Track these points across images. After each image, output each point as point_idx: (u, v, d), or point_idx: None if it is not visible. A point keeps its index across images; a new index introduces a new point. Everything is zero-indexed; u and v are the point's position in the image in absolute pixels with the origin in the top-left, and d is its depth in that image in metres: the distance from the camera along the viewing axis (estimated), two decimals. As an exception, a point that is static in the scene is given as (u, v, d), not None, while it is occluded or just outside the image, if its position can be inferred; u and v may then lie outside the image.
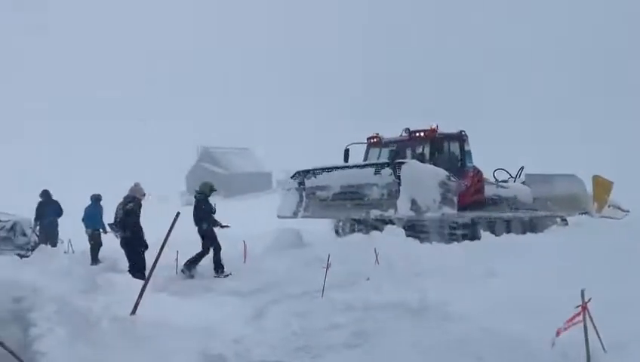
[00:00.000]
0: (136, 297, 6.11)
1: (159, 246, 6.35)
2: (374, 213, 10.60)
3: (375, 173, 10.60)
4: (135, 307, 5.92)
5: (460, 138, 12.31)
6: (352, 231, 13.07)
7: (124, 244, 9.04)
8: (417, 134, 11.78)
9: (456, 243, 10.73)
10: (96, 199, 13.13)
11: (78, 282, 8.94)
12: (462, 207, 11.75)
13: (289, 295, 8.31)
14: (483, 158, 13.62)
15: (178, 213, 6.15)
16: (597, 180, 17.50)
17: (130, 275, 8.72)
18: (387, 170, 10.37)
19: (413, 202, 9.87)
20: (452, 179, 10.00)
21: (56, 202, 14.01)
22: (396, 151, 12.22)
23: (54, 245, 13.19)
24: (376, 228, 11.65)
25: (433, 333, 5.87)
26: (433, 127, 11.71)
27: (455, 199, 9.95)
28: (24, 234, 15.10)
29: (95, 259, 12.21)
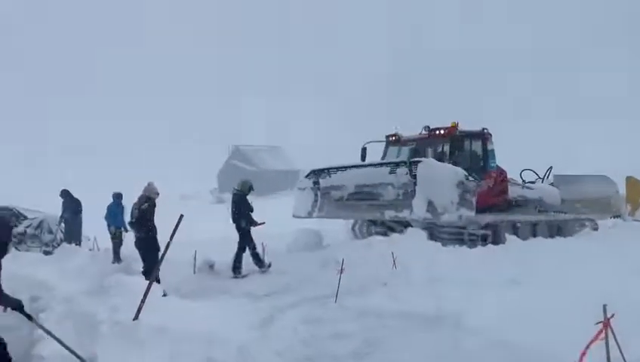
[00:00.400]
0: (147, 300, 5.82)
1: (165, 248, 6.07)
2: (389, 214, 10.17)
3: (390, 173, 10.17)
4: (138, 311, 5.68)
5: (483, 136, 11.76)
6: (369, 232, 12.65)
7: (139, 245, 8.85)
8: (437, 132, 11.29)
9: (480, 246, 10.23)
10: (117, 197, 13.10)
11: (90, 283, 8.73)
12: (483, 209, 11.22)
13: (303, 299, 8.11)
14: (509, 159, 13.06)
15: (181, 216, 5.93)
16: (631, 181, 16.60)
17: (143, 277, 8.56)
18: (403, 169, 9.92)
19: (430, 203, 9.41)
20: (470, 179, 9.47)
21: (76, 200, 14.02)
22: (415, 150, 11.73)
23: (78, 243, 13.20)
24: (392, 230, 11.22)
25: (446, 345, 5.61)
26: (454, 124, 11.20)
27: (474, 200, 9.43)
28: (50, 232, 15.32)
29: (117, 258, 12.19)
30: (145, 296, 5.74)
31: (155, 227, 8.90)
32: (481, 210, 11.06)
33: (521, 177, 14.07)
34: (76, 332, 5.78)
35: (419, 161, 9.66)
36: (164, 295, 8.26)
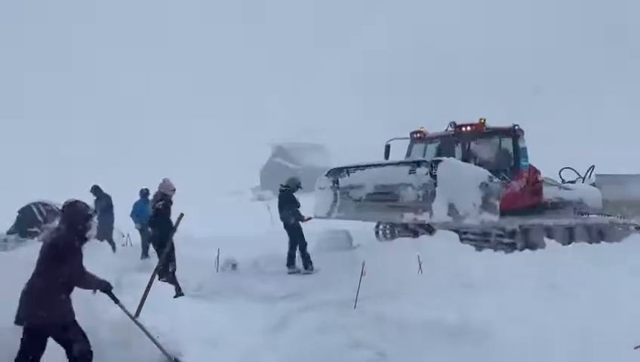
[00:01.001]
0: (154, 300, 5.62)
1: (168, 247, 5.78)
2: (408, 216, 9.55)
3: (410, 173, 9.52)
4: (137, 312, 5.35)
5: (513, 133, 10.92)
6: (393, 235, 12.02)
7: (155, 243, 8.64)
8: (463, 129, 10.54)
9: (517, 251, 9.49)
10: (144, 194, 12.88)
11: (108, 280, 8.58)
12: (514, 212, 10.41)
13: (321, 302, 7.75)
14: (549, 157, 12.15)
15: (182, 214, 5.79)
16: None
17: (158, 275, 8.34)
18: (423, 169, 9.26)
19: (451, 206, 8.72)
20: (495, 180, 8.71)
21: (107, 196, 13.78)
22: (441, 148, 11.03)
23: (109, 239, 12.99)
24: (416, 233, 10.60)
25: (470, 359, 5.29)
26: (482, 120, 10.42)
27: (497, 204, 8.66)
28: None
29: (145, 254, 12.03)
30: (144, 297, 5.46)
31: (171, 224, 8.64)
32: (511, 212, 10.27)
33: (560, 176, 13.09)
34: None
35: (439, 161, 8.98)
36: (178, 295, 8.04)
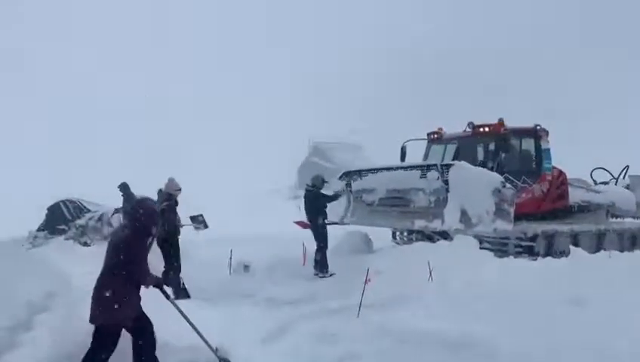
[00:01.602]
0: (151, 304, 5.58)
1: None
2: (419, 223, 9.13)
3: (421, 177, 9.10)
4: None
5: (535, 134, 10.28)
6: (410, 239, 11.56)
7: (160, 246, 8.38)
8: (481, 129, 9.99)
9: (539, 259, 8.92)
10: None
11: None
12: (536, 216, 9.83)
13: (326, 309, 7.52)
14: (579, 158, 11.40)
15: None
16: None
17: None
18: (433, 173, 8.83)
19: (463, 213, 8.25)
20: (508, 186, 8.15)
21: (132, 194, 13.80)
22: (459, 150, 10.50)
23: None
24: (430, 239, 10.14)
25: None
26: (501, 121, 9.84)
27: (511, 211, 8.11)
28: (110, 225, 15.43)
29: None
30: None
31: (175, 226, 8.45)
32: (532, 217, 9.69)
33: (592, 178, 12.32)
34: (56, 338, 5.38)
35: (451, 165, 8.51)
36: (183, 297, 7.89)
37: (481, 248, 8.98)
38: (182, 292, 8.37)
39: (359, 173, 10.92)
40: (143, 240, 4.65)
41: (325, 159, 61.45)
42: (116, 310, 4.43)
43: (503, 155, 9.70)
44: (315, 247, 10.09)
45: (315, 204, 10.06)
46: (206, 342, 5.16)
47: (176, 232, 8.44)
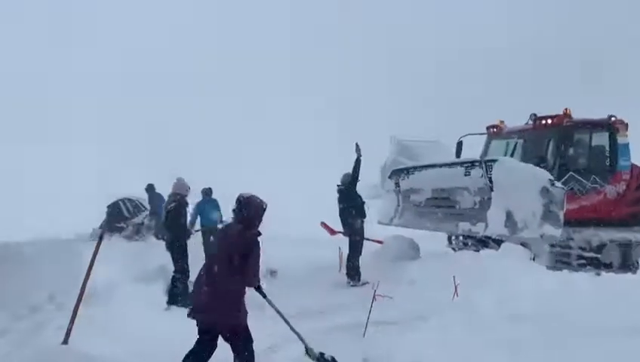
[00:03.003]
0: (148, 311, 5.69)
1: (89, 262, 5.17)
2: (463, 226, 8.12)
3: (465, 174, 8.08)
4: (66, 334, 4.81)
5: (609, 127, 8.79)
6: (465, 244, 10.50)
7: (168, 248, 8.04)
8: (543, 122, 8.74)
9: (609, 274, 7.62)
10: (206, 193, 12.48)
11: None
12: (608, 223, 8.48)
13: (336, 326, 6.71)
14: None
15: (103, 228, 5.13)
16: None
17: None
18: (477, 171, 7.78)
19: (509, 216, 7.18)
20: (557, 184, 6.93)
21: (159, 195, 13.76)
22: (516, 145, 9.31)
23: (162, 237, 13.01)
24: (485, 244, 9.09)
25: None
26: (566, 111, 8.54)
27: (561, 214, 6.87)
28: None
29: None
30: (73, 317, 4.83)
31: (184, 228, 8.06)
32: (603, 223, 8.37)
33: None
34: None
35: (494, 160, 7.45)
36: (184, 305, 7.54)
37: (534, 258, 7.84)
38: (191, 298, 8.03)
39: (407, 171, 10.04)
40: (257, 237, 4.50)
41: (411, 157, 60.12)
42: (228, 314, 4.34)
43: (568, 151, 8.41)
44: (348, 253, 9.29)
45: (348, 204, 9.25)
46: (306, 346, 5.13)
47: (184, 235, 8.03)
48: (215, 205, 12.39)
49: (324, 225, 10.13)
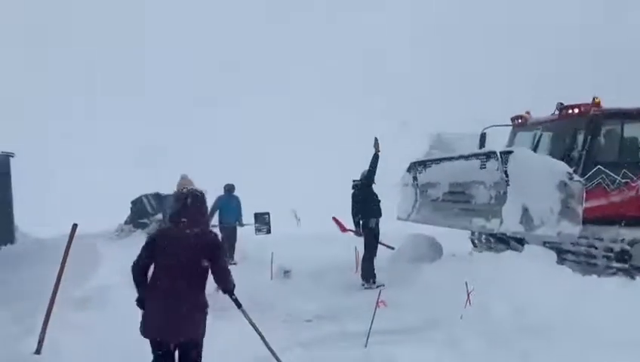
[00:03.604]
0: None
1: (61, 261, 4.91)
2: (477, 223, 7.60)
3: (481, 167, 7.56)
4: (39, 343, 4.54)
5: None
6: (489, 243, 9.93)
7: None
8: (570, 111, 8.10)
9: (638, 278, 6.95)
10: (228, 190, 12.17)
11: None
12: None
13: (337, 333, 6.38)
14: None
15: (75, 225, 4.82)
16: None
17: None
18: (493, 163, 7.25)
19: (525, 211, 6.64)
20: (575, 177, 6.31)
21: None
22: (540, 137, 8.68)
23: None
24: (508, 245, 8.56)
25: None
26: (597, 100, 7.87)
27: (579, 209, 6.25)
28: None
29: (230, 256, 11.21)
30: (44, 325, 4.54)
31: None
32: (635, 221, 7.71)
33: None
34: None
35: (510, 152, 6.91)
36: None
37: (560, 262, 7.25)
38: None
39: (424, 164, 9.56)
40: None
41: (446, 150, 58.67)
42: (201, 323, 3.74)
43: (596, 143, 7.75)
44: (364, 254, 8.90)
45: (364, 202, 8.86)
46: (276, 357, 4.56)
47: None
48: (237, 203, 12.13)
49: (335, 220, 9.76)
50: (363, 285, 8.67)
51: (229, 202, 12.02)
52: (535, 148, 8.52)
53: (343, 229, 9.71)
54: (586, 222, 6.73)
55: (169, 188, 15.79)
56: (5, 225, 13.66)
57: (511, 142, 9.60)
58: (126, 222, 16.16)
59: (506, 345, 5.24)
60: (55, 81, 36.92)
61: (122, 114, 34.96)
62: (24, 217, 15.10)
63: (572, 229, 6.14)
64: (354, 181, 9.21)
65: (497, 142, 10.26)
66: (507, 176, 6.87)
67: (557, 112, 8.44)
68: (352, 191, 9.20)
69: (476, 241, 10.36)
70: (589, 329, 5.39)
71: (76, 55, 39.44)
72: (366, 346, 5.49)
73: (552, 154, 7.92)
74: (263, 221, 11.82)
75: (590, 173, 7.50)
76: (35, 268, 7.74)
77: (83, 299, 6.34)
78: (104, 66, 39.13)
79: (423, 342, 5.61)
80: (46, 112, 34.60)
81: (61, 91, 36.19)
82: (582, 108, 7.83)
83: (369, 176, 8.85)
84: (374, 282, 8.61)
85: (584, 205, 6.40)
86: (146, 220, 15.97)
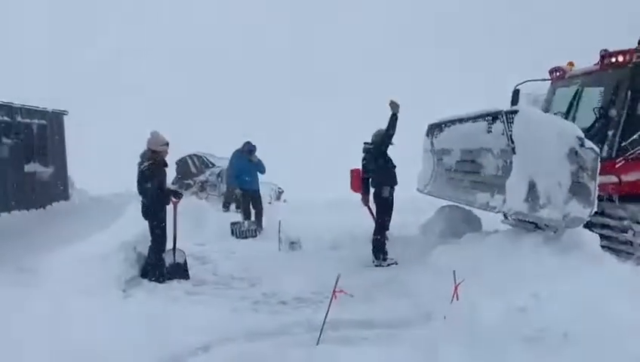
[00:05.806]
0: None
1: None
2: (481, 198, 6.33)
3: (488, 131, 6.21)
4: None
5: None
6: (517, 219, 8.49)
7: (144, 214, 7.18)
8: (612, 60, 6.45)
9: None
10: (249, 151, 10.83)
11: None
12: None
13: (294, 324, 5.49)
14: None
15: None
16: None
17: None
18: (498, 126, 5.89)
19: (531, 187, 5.30)
20: (588, 144, 4.79)
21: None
22: (577, 93, 7.08)
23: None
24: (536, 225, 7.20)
25: None
26: None
27: (592, 186, 4.80)
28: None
29: (258, 225, 10.45)
30: None
31: (159, 193, 6.89)
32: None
33: None
34: None
35: (515, 112, 5.52)
36: (163, 279, 6.83)
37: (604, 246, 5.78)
38: (181, 273, 7.12)
39: (440, 126, 8.25)
40: None
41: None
42: None
43: (639, 100, 6.16)
44: (375, 227, 7.94)
45: (376, 169, 7.82)
46: None
47: (163, 200, 7.03)
48: (254, 166, 10.77)
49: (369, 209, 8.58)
50: (373, 262, 7.78)
51: (247, 165, 10.85)
52: (569, 109, 7.03)
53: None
54: (623, 199, 5.33)
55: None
56: (61, 181, 13.70)
57: (549, 101, 8.06)
58: (173, 183, 15.79)
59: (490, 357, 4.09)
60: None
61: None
62: (78, 175, 15.04)
63: (582, 212, 4.73)
64: (365, 144, 8.11)
65: (539, 101, 8.78)
66: (512, 141, 5.52)
67: (599, 62, 6.85)
68: (363, 155, 8.12)
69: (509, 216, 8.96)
70: (600, 339, 4.07)
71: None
72: (318, 343, 4.61)
73: (587, 115, 6.44)
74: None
75: (630, 139, 5.97)
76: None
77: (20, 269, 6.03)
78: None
79: (391, 344, 4.68)
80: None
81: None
82: (625, 56, 6.22)
83: (382, 139, 7.71)
84: (385, 259, 7.74)
85: (612, 179, 4.98)
86: (190, 181, 15.68)
